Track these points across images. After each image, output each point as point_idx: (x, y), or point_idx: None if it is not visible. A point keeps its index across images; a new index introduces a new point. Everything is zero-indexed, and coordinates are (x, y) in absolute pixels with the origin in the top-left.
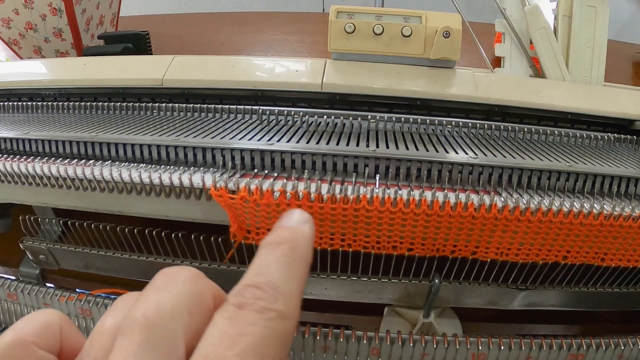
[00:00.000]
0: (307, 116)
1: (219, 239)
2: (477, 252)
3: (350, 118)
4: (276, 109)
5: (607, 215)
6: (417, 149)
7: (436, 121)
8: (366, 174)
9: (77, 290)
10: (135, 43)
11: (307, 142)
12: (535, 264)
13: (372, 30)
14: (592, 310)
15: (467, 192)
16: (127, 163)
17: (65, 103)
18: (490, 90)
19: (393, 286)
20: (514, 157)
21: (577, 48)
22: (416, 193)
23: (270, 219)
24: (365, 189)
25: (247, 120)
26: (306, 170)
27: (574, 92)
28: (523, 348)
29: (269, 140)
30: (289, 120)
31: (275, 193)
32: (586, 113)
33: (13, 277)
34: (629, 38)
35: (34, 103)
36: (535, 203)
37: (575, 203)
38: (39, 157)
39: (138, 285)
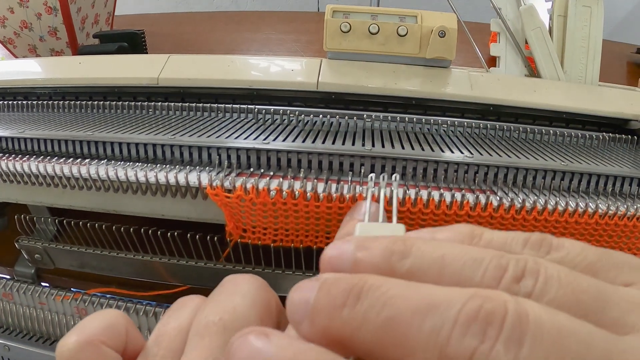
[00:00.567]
0: (302, 115)
1: (215, 238)
2: None
3: (346, 117)
4: (272, 108)
5: (602, 214)
6: (412, 148)
7: (432, 120)
8: (362, 173)
9: (72, 289)
10: (131, 42)
11: (303, 141)
12: None
13: (367, 29)
14: None
15: (463, 191)
16: (122, 162)
17: (61, 102)
18: (486, 90)
19: None
20: (510, 157)
21: (572, 48)
22: (412, 192)
23: (266, 218)
24: (361, 188)
25: (242, 119)
26: (302, 169)
27: (569, 92)
28: None
29: (264, 139)
30: (285, 120)
31: (271, 192)
32: (581, 113)
33: (8, 277)
34: (623, 38)
35: (29, 102)
36: (531, 202)
37: (570, 202)
38: (34, 156)
39: (135, 285)
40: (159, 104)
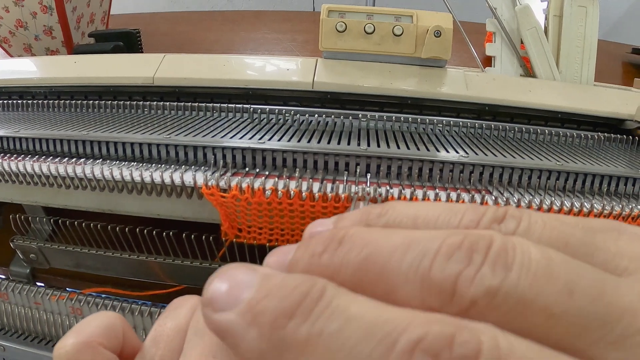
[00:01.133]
0: (298, 115)
1: (210, 238)
2: None
3: (342, 117)
4: (267, 107)
5: (597, 213)
6: (408, 148)
7: (427, 120)
8: (357, 173)
9: (67, 289)
10: (126, 41)
11: (299, 141)
12: None
13: (363, 29)
14: None
15: (458, 190)
16: (118, 161)
17: (56, 101)
18: (481, 90)
19: None
20: (505, 156)
21: (567, 48)
22: (407, 192)
23: (262, 218)
24: (356, 188)
25: (238, 119)
26: (297, 169)
27: (565, 92)
28: None
29: (260, 139)
30: (280, 119)
31: (266, 191)
32: (576, 112)
33: (3, 276)
34: (619, 38)
35: (24, 101)
36: (526, 202)
37: (565, 202)
38: (29, 156)
39: (131, 285)
40: (155, 103)
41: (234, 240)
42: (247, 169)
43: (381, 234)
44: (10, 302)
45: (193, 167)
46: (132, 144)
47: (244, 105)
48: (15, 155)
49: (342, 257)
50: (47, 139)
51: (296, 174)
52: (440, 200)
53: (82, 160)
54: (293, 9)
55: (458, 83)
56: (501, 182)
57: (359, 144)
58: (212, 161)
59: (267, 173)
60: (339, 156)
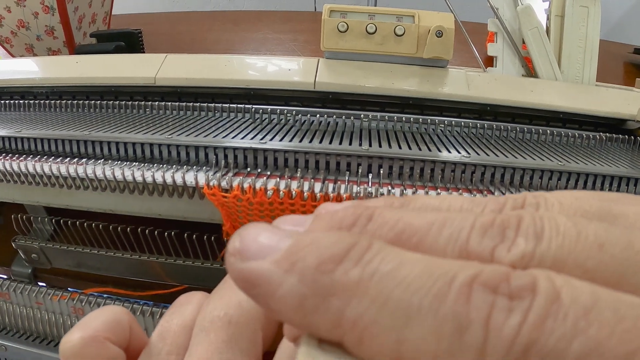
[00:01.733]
0: (299, 115)
1: (212, 238)
2: None
3: (343, 117)
4: (269, 107)
5: None
6: (409, 148)
7: (429, 120)
8: (359, 173)
9: (69, 289)
10: (128, 41)
11: (300, 141)
12: None
13: (365, 29)
14: None
15: (460, 190)
16: (119, 161)
17: (58, 101)
18: (483, 90)
19: None
20: (506, 156)
21: (569, 48)
22: (409, 192)
23: (263, 218)
24: (358, 188)
25: (239, 119)
26: (299, 169)
27: (566, 92)
28: None
29: (261, 139)
30: (282, 119)
31: (268, 192)
32: (578, 112)
33: (5, 276)
34: (620, 38)
35: (26, 101)
36: None
37: None
38: (31, 156)
39: (132, 284)
40: (156, 103)
41: None
42: (248, 169)
43: (412, 213)
44: (12, 302)
45: (195, 167)
46: (133, 144)
47: (246, 106)
48: (17, 156)
49: (374, 231)
50: (49, 139)
51: (298, 174)
52: None
53: (84, 160)
54: (294, 9)
55: (459, 83)
56: (503, 182)
57: (360, 144)
58: (214, 161)
59: (268, 173)
60: (341, 156)
